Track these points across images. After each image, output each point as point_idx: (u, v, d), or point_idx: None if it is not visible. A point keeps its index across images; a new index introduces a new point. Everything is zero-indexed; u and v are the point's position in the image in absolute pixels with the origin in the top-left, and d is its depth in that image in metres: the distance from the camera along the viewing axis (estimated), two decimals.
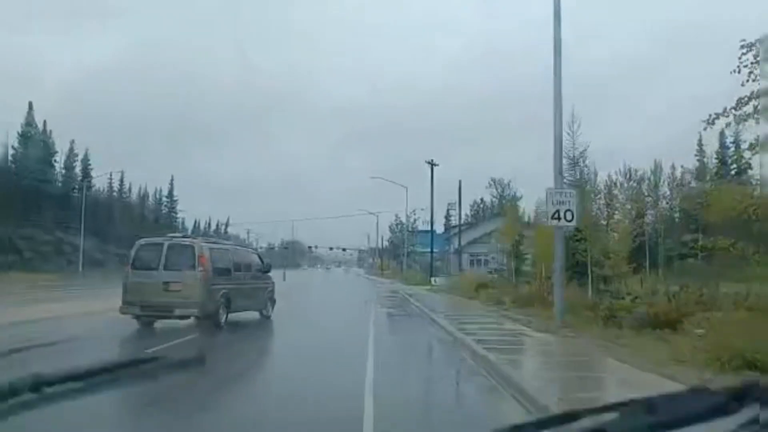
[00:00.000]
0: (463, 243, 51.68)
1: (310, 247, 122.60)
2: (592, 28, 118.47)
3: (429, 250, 53.78)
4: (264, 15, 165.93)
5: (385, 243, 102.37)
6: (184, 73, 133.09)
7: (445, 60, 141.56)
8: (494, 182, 79.31)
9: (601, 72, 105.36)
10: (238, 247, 18.59)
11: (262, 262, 17.33)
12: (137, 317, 13.29)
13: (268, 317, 16.45)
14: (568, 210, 13.10)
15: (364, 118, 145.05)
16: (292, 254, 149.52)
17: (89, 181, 61.62)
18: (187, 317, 13.20)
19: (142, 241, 14.45)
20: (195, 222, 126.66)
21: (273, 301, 16.99)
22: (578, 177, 19.44)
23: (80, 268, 46.27)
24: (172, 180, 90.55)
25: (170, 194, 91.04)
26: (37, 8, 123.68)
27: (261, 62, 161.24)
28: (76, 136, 62.32)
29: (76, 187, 56.72)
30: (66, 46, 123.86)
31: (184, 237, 15.38)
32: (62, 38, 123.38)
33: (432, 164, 44.74)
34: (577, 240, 17.08)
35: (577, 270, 17.10)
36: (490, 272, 31.70)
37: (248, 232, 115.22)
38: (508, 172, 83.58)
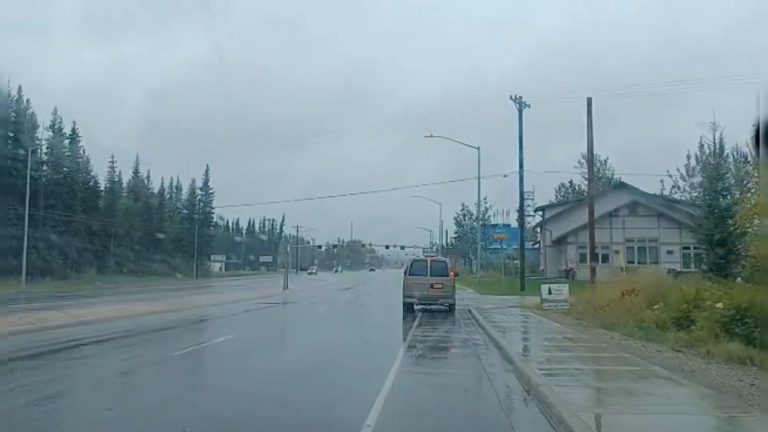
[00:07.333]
0: (562, 231, 37.31)
1: (363, 245, 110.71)
2: None
3: (513, 246, 39.71)
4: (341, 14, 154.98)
5: (451, 238, 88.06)
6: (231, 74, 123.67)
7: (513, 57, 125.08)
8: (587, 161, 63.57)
9: None
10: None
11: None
12: (412, 304, 21.50)
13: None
14: None
15: (428, 120, 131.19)
16: (351, 253, 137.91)
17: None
18: (444, 305, 21.32)
19: (413, 258, 25.84)
20: (249, 221, 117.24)
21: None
22: None
23: (23, 278, 33.96)
24: (207, 170, 79.17)
25: (205, 185, 79.56)
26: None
27: (325, 63, 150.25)
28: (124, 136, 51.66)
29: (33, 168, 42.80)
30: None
31: (437, 255, 34.35)
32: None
33: (520, 103, 29.50)
34: None
35: None
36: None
37: (297, 229, 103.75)
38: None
